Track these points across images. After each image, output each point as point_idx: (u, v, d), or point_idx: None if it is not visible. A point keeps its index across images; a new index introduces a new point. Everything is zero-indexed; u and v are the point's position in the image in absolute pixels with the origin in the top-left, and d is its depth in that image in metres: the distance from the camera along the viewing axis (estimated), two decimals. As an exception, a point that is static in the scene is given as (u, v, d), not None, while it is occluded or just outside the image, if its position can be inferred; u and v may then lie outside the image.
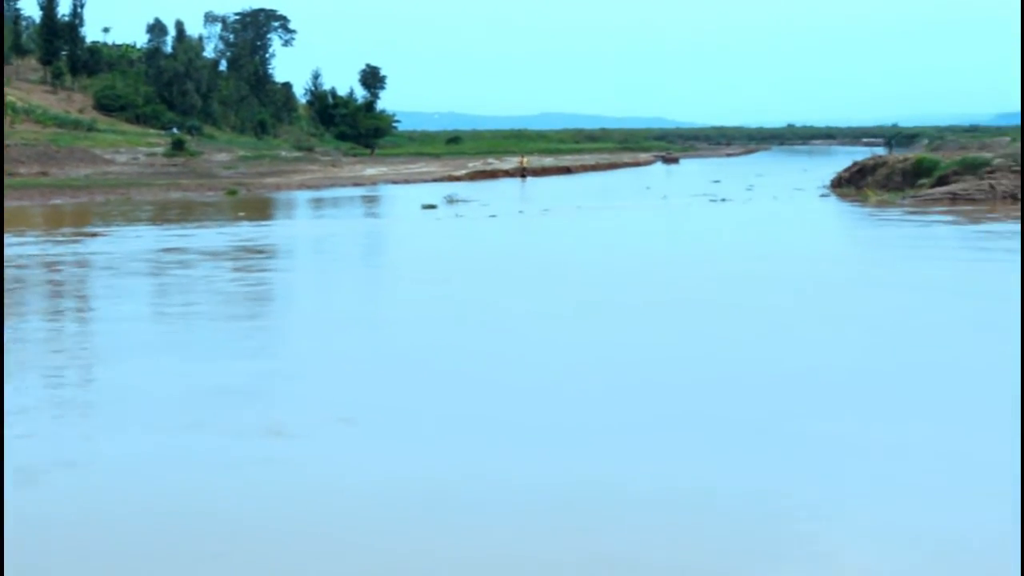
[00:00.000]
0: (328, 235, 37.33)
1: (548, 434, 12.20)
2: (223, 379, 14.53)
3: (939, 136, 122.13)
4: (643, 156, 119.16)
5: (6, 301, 19.38)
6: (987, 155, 52.26)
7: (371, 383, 14.73)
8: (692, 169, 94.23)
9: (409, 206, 49.51)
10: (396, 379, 14.94)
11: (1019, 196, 46.39)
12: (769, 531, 9.40)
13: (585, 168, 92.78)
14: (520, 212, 45.67)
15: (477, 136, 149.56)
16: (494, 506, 10.08)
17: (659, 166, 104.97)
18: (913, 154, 63.67)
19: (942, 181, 49.12)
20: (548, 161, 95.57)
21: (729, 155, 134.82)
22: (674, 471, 10.93)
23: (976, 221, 38.13)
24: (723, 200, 52.13)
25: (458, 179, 72.87)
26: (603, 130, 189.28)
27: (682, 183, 69.80)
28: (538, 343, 17.41)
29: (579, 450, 11.60)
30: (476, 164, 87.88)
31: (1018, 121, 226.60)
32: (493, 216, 43.08)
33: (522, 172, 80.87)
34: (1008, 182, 47.42)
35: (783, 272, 25.94)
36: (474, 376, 15.25)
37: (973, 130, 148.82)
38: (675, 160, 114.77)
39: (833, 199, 52.38)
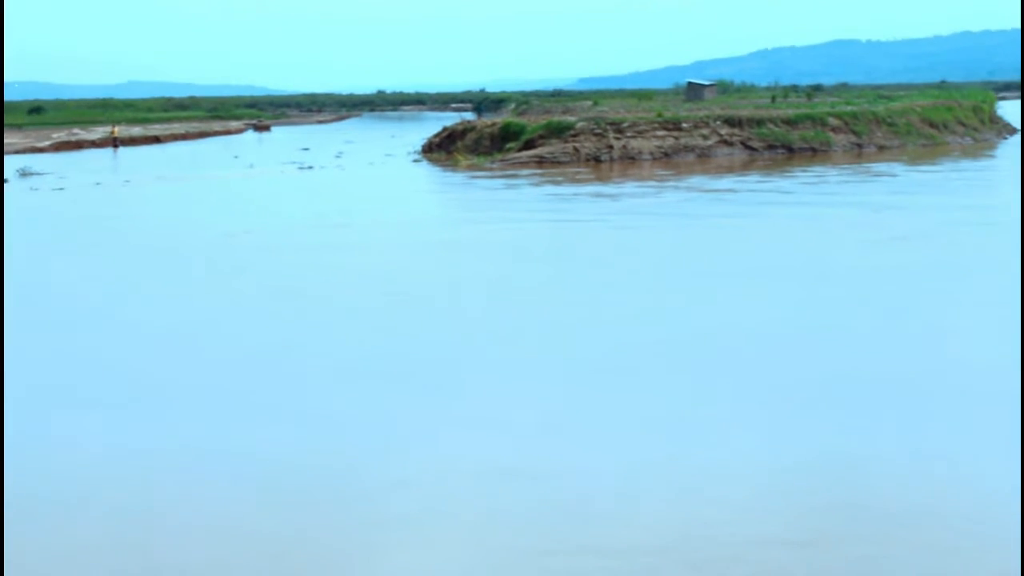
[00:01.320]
0: None
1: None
2: None
3: (525, 101, 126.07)
4: (234, 124, 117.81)
5: None
6: (571, 119, 55.01)
7: None
8: (283, 137, 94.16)
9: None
10: None
11: (600, 158, 49.48)
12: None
13: (175, 137, 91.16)
14: (98, 184, 44.82)
15: (61, 106, 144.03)
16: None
17: (250, 134, 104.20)
18: (501, 119, 66.04)
19: (529, 144, 51.63)
20: (136, 131, 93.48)
21: (320, 122, 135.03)
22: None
23: (540, 185, 40.41)
24: (311, 167, 52.97)
25: (43, 151, 70.53)
26: (193, 98, 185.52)
27: (272, 151, 69.91)
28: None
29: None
30: (61, 135, 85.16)
31: (599, 85, 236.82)
32: (61, 189, 42.42)
33: (114, 142, 79.19)
34: (591, 145, 50.44)
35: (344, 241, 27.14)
36: None
37: (557, 95, 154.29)
38: (266, 128, 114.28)
39: (424, 164, 53.82)
